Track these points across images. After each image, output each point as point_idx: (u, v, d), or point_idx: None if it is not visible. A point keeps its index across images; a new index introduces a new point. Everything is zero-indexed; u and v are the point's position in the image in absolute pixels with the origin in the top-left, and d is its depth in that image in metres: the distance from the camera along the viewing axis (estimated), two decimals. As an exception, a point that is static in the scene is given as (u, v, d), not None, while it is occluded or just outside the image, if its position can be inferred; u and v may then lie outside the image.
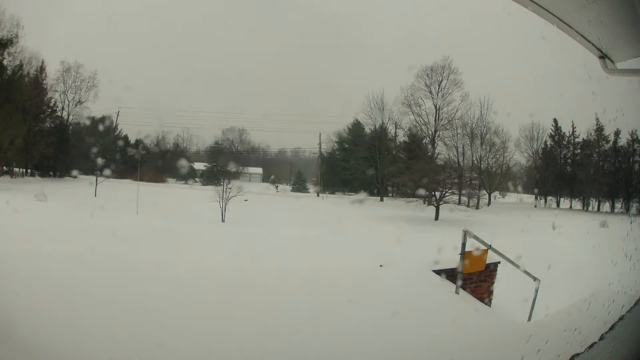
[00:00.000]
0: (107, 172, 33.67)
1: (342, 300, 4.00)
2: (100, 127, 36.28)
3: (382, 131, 36.32)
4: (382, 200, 34.40)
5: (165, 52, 50.58)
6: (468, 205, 27.15)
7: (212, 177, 36.49)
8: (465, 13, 49.70)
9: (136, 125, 46.23)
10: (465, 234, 4.80)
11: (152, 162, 37.86)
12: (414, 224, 21.63)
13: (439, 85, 34.48)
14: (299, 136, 59.06)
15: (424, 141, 35.54)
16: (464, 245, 4.80)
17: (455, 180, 26.97)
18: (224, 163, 39.65)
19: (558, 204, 34.27)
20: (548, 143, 34.93)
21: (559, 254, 12.49)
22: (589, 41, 2.65)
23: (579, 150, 34.04)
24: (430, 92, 34.70)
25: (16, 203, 17.41)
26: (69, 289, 3.46)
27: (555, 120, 34.38)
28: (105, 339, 2.75)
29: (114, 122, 38.28)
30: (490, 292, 5.45)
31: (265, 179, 43.66)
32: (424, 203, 26.65)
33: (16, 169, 31.40)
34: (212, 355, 2.82)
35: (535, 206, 34.35)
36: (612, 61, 2.73)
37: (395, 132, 37.22)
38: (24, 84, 28.62)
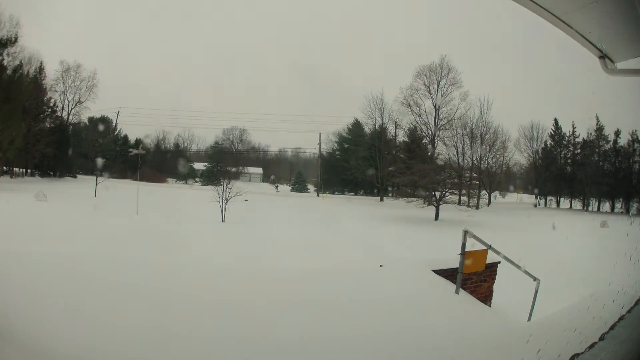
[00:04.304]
0: (107, 172, 33.68)
1: (342, 300, 4.00)
2: (100, 127, 36.30)
3: (382, 131, 36.32)
4: (382, 200, 34.40)
5: (166, 52, 50.58)
6: (468, 205, 27.13)
7: (212, 177, 36.50)
8: (465, 13, 49.77)
9: (136, 125, 46.31)
10: (465, 234, 4.79)
11: (152, 162, 37.88)
12: (414, 224, 21.63)
13: (438, 85, 34.52)
14: (299, 136, 59.17)
15: (424, 141, 35.55)
16: (464, 245, 4.79)
17: (455, 180, 26.94)
18: (224, 163, 39.68)
19: (558, 204, 34.29)
20: (548, 143, 34.95)
21: (559, 254, 12.50)
22: (589, 41, 2.64)
23: (579, 150, 34.06)
24: (430, 91, 34.73)
25: (16, 203, 17.45)
26: (69, 289, 3.46)
27: (555, 120, 34.42)
28: (106, 339, 2.75)
29: (114, 122, 38.34)
30: (490, 292, 5.45)
31: (265, 179, 43.68)
32: (424, 203, 26.65)
33: (16, 169, 31.39)
34: (212, 355, 2.82)
35: (535, 206, 34.37)
36: (612, 61, 2.73)
37: (395, 132, 37.25)
38: (24, 83, 28.59)
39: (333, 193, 37.52)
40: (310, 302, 3.88)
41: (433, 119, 34.80)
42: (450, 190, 25.70)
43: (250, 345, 2.94)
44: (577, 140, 34.06)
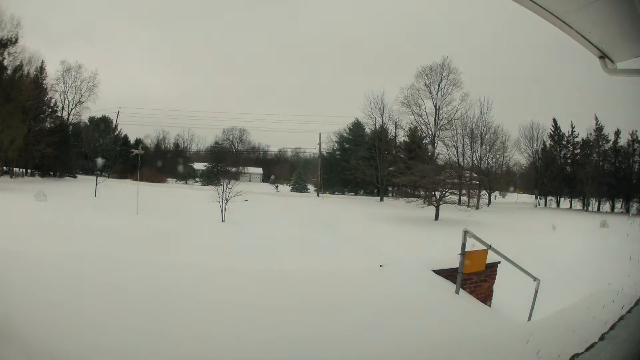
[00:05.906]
0: (107, 172, 33.68)
1: (341, 300, 4.00)
2: (101, 127, 36.33)
3: (382, 131, 36.31)
4: (382, 200, 34.40)
5: (166, 52, 50.63)
6: (468, 205, 27.11)
7: (212, 177, 36.51)
8: (465, 13, 49.80)
9: (136, 125, 46.34)
10: (465, 234, 4.79)
11: (152, 162, 37.89)
12: (414, 224, 21.63)
13: (439, 85, 34.53)
14: (299, 136, 59.26)
15: (424, 141, 35.55)
16: (464, 245, 4.79)
17: (455, 180, 26.94)
18: (224, 163, 39.68)
19: (558, 204, 34.29)
20: (548, 143, 34.94)
21: (559, 254, 12.51)
22: (589, 41, 2.64)
23: (578, 150, 34.06)
24: (430, 92, 34.73)
25: (16, 203, 17.46)
26: (69, 289, 3.46)
27: (554, 120, 34.44)
28: (105, 340, 2.75)
29: (114, 122, 38.36)
30: (490, 292, 5.45)
31: (265, 179, 43.70)
32: (424, 203, 26.64)
33: (16, 169, 31.39)
34: (208, 355, 2.82)
35: (536, 206, 34.36)
36: (612, 61, 2.73)
37: (396, 132, 37.25)
38: (24, 84, 28.58)
39: (333, 193, 37.51)
40: (310, 303, 3.88)
41: (433, 119, 34.83)
42: (450, 190, 25.69)
43: (248, 347, 2.94)
44: (576, 140, 34.09)
